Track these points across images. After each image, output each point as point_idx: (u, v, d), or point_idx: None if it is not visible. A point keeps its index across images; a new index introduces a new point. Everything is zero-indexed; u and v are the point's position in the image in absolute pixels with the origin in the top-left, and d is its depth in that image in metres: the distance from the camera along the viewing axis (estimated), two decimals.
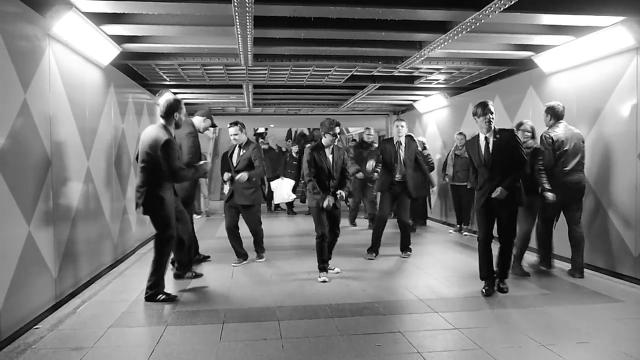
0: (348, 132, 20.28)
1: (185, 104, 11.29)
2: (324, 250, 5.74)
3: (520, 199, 4.99)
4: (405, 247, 6.92)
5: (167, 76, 8.27)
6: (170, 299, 4.82)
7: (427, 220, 10.53)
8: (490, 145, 4.93)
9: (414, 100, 11.57)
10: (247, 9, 4.57)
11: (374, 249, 6.84)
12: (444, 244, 7.97)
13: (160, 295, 4.80)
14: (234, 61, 6.93)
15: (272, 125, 16.94)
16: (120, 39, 5.83)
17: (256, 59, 6.88)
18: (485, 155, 4.95)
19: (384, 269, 6.15)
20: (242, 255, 6.57)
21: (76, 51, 5.20)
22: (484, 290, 4.94)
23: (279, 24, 5.37)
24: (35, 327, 4.05)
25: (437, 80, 8.92)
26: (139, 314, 4.43)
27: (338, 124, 5.76)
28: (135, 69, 7.74)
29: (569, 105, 6.31)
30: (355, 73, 8.30)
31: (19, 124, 3.93)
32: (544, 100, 6.92)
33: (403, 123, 7.05)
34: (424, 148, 9.59)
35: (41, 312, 4.29)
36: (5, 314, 3.64)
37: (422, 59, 6.78)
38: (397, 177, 6.76)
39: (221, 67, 7.68)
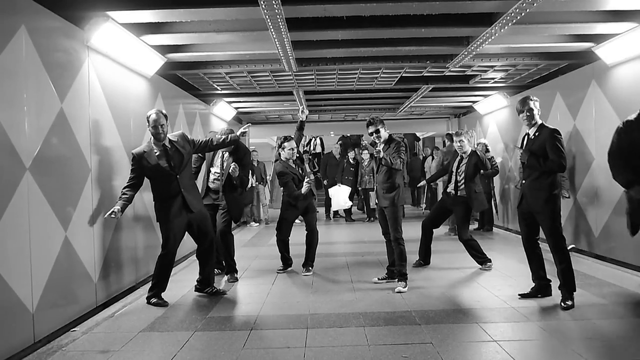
0: (418, 139, 19.99)
1: (241, 112, 11.54)
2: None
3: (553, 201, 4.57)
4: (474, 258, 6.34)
5: (217, 85, 8.42)
6: (161, 304, 4.89)
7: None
8: (526, 141, 4.75)
9: (473, 102, 11.12)
10: (276, 10, 4.51)
11: (420, 257, 6.54)
12: (505, 251, 7.48)
13: (153, 299, 4.95)
14: (278, 67, 6.92)
15: (331, 133, 16.87)
16: (163, 49, 5.96)
17: (300, 63, 6.83)
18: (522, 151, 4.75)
19: (433, 277, 5.85)
20: (286, 261, 6.48)
21: (118, 62, 5.36)
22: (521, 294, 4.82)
23: (313, 26, 5.29)
24: (73, 329, 4.16)
25: (493, 78, 8.49)
26: (172, 319, 4.44)
27: (369, 123, 5.51)
28: (186, 79, 7.92)
29: (636, 98, 5.76)
30: (405, 74, 8.06)
31: (55, 133, 4.06)
32: (608, 96, 6.38)
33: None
34: (487, 151, 9.18)
35: (81, 315, 4.40)
36: (39, 317, 3.75)
37: (471, 55, 6.44)
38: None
39: (268, 74, 7.71)
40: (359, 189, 12.25)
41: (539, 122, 4.69)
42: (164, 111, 4.91)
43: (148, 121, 4.81)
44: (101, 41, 4.80)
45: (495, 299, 4.81)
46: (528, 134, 4.77)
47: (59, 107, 4.14)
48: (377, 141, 5.52)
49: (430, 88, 9.08)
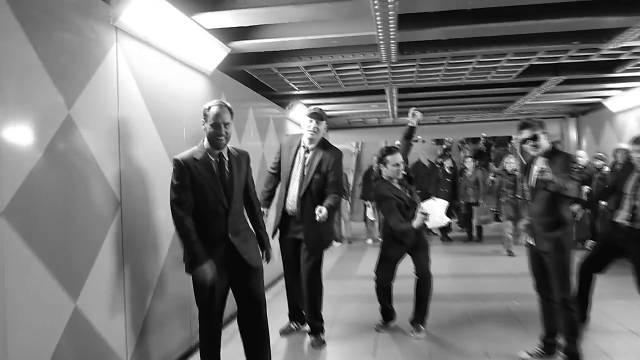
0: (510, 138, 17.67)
1: None
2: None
3: None
4: None
5: (294, 84, 6.93)
6: None
7: None
8: None
9: (604, 97, 8.95)
10: None
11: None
12: None
13: None
14: (372, 57, 5.33)
15: (418, 138, 15.10)
16: (225, 35, 4.53)
17: (401, 50, 5.20)
18: None
19: (611, 351, 4.01)
20: (388, 313, 4.86)
21: (163, 51, 3.95)
22: None
23: None
24: None
25: None
26: None
27: (524, 125, 3.82)
28: (257, 78, 6.49)
29: None
30: (534, 62, 6.16)
31: (57, 153, 2.68)
32: None
33: None
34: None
35: None
36: None
37: None
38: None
39: (357, 68, 6.10)
40: (461, 203, 10.40)
41: None
42: (228, 104, 3.40)
43: (205, 116, 3.29)
44: (136, 20, 3.39)
45: None
46: None
47: (64, 114, 2.75)
48: (533, 152, 3.81)
49: (560, 81, 7.14)
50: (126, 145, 3.36)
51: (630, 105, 8.49)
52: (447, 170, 10.72)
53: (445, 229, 10.49)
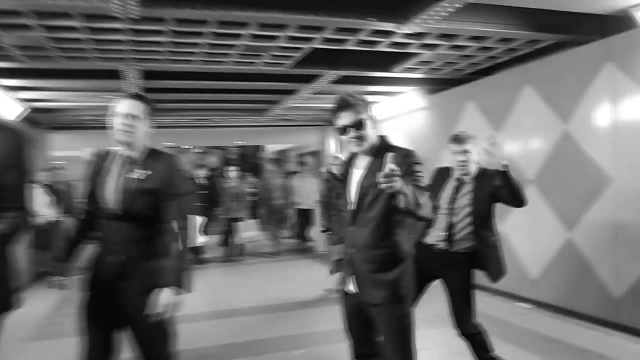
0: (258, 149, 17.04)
1: (36, 110, 7.41)
2: None
3: None
4: None
5: None
6: None
7: None
8: None
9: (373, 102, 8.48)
10: None
11: None
12: (507, 334, 4.80)
13: None
14: (101, 5, 3.47)
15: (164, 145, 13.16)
16: None
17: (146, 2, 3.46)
18: None
19: None
20: None
21: None
22: None
23: None
24: None
25: (431, 63, 5.86)
26: None
27: (343, 104, 2.50)
28: None
29: None
30: (315, 45, 4.98)
31: None
32: None
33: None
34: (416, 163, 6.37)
35: None
36: None
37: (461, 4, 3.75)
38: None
39: (79, 26, 4.07)
40: (221, 217, 9.01)
41: None
42: None
43: None
44: None
45: None
46: None
47: None
48: (356, 147, 2.50)
49: (333, 78, 6.26)
50: None
51: (391, 115, 8.15)
52: (202, 181, 9.22)
53: (199, 250, 8.86)
